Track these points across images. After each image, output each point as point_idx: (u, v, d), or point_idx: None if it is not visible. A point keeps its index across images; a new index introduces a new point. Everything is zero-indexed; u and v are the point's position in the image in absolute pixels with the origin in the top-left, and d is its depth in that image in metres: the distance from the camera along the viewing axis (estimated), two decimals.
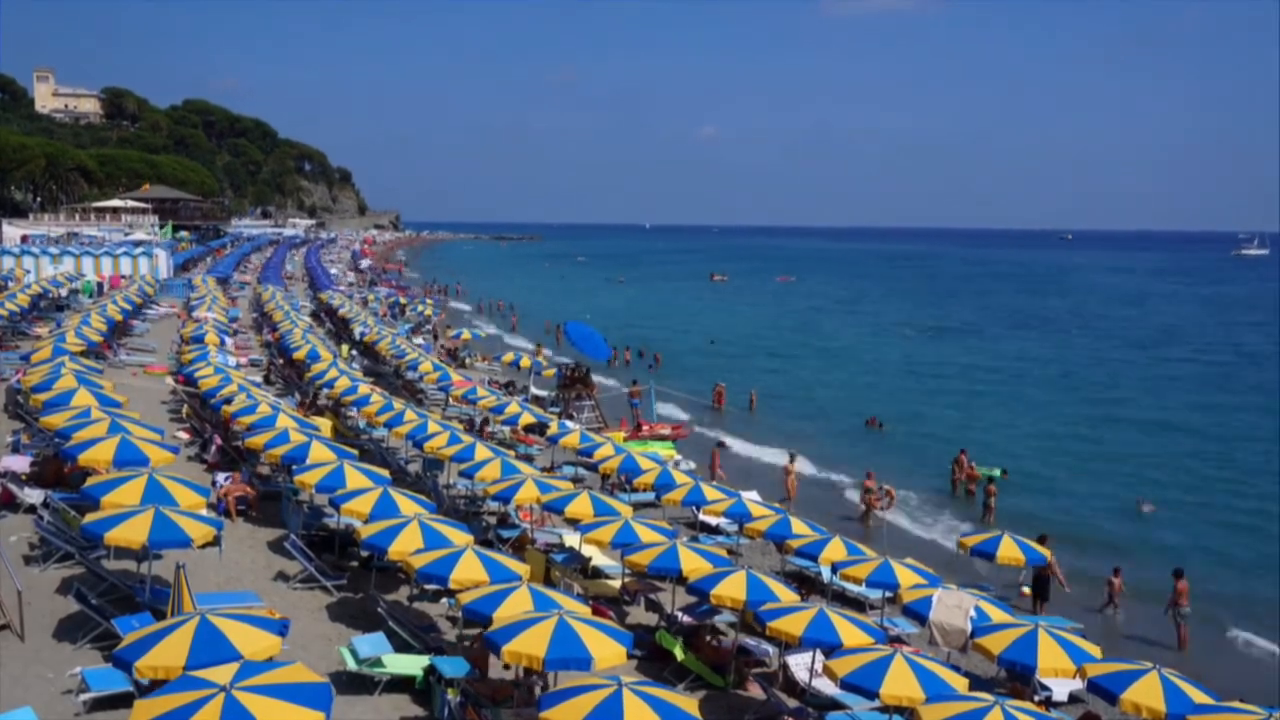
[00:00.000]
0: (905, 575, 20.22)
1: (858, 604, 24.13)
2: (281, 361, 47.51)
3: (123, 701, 14.82)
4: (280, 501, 25.98)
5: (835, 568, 21.74)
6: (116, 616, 17.33)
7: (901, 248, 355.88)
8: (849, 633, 16.71)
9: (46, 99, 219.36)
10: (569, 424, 35.39)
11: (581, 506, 23.00)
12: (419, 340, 60.77)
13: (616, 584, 23.39)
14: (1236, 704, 14.59)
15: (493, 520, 27.66)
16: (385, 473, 24.35)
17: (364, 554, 21.66)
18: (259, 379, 42.22)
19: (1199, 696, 14.53)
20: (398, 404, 33.09)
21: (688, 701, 13.32)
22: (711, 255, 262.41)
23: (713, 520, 28.67)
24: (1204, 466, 44.05)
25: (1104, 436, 49.58)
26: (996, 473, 38.55)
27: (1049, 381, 66.60)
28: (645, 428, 42.20)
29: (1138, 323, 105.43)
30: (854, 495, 35.89)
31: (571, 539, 25.35)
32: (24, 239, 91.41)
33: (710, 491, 26.10)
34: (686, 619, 21.62)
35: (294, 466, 24.23)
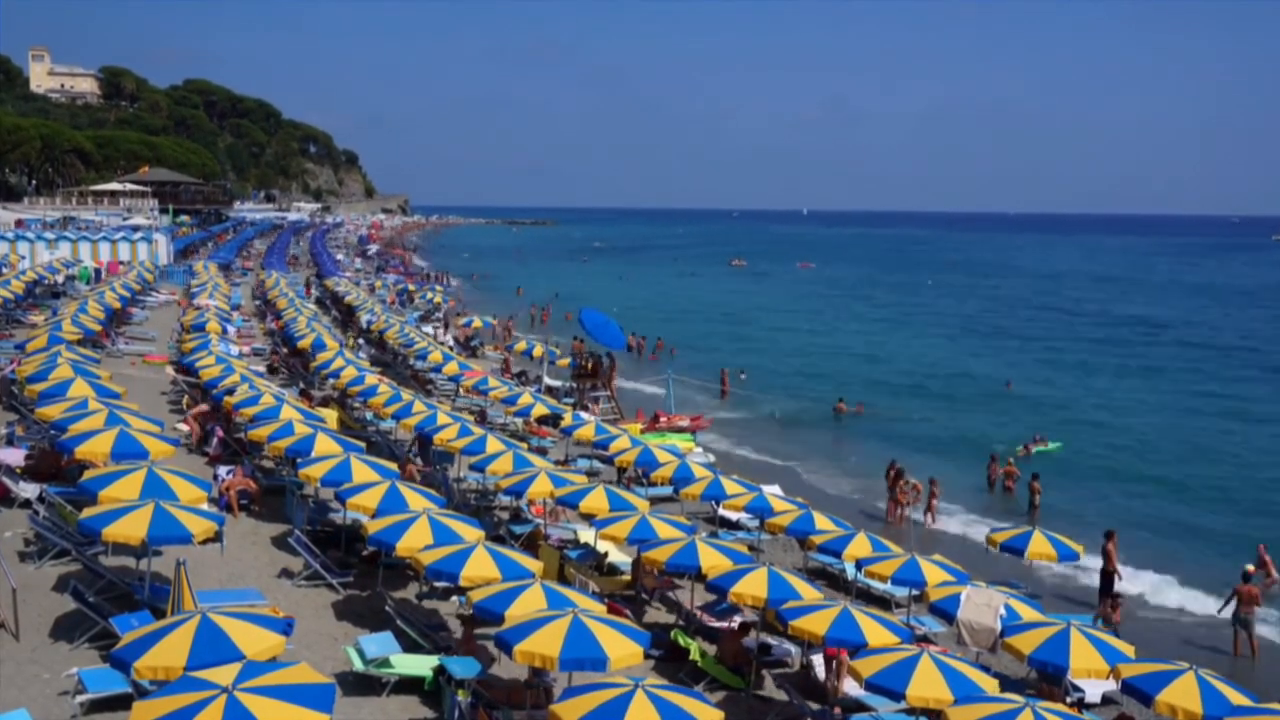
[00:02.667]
0: (932, 572, 20.23)
1: (883, 602, 24.15)
2: (285, 351, 47.66)
3: (121, 703, 14.88)
4: (284, 496, 26.08)
5: (860, 564, 21.75)
6: (115, 615, 17.43)
7: (939, 234, 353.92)
8: (874, 632, 16.73)
9: (42, 78, 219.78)
10: (584, 415, 35.43)
11: (597, 501, 23.07)
12: (428, 328, 60.87)
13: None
14: (1276, 705, 14.57)
15: (504, 515, 27.73)
16: (393, 466, 24.43)
17: (371, 550, 21.75)
18: (262, 369, 42.37)
19: (1237, 698, 14.52)
20: (406, 395, 33.16)
21: (711, 712, 13.32)
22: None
23: (733, 515, 28.68)
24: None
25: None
26: (1054, 446, 38.62)
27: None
28: (663, 419, 42.20)
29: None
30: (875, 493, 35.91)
31: (586, 534, 25.40)
32: (19, 223, 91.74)
33: (730, 485, 26.09)
34: (705, 617, 21.68)
35: (299, 460, 24.34)
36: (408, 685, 17.46)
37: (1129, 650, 16.62)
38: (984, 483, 37.88)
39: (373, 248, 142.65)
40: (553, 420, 35.62)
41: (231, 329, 49.96)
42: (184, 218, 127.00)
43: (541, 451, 32.41)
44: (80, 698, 15.50)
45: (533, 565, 18.50)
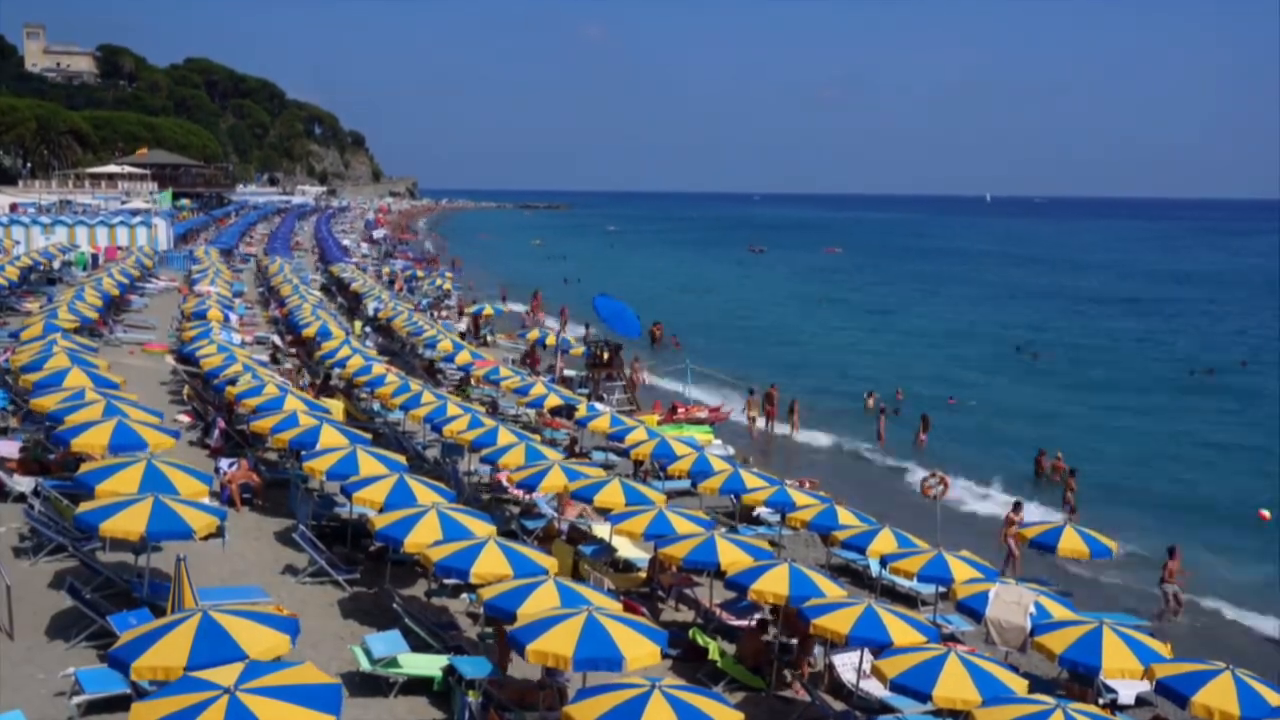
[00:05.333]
0: (960, 569, 20.21)
1: (909, 599, 24.14)
2: (289, 339, 47.78)
3: (119, 704, 14.96)
4: (288, 489, 26.14)
5: (885, 561, 21.74)
6: (112, 613, 17.49)
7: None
8: (899, 631, 16.74)
9: (37, 57, 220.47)
10: (598, 406, 35.44)
11: (612, 495, 23.05)
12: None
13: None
14: None
15: (516, 510, 27.75)
16: (401, 459, 24.48)
17: (378, 546, 21.80)
18: (265, 358, 42.49)
19: (1276, 699, 14.50)
20: (414, 385, 33.20)
21: (730, 713, 13.35)
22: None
23: (753, 510, 28.67)
24: None
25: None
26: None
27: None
28: (681, 410, 42.19)
29: None
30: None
31: (601, 530, 25.42)
32: (13, 207, 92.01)
33: (750, 479, 26.10)
34: (725, 615, 21.70)
35: (303, 452, 24.42)
36: (416, 686, 17.51)
37: (1164, 650, 16.60)
38: (1030, 472, 38.00)
39: (380, 232, 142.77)
40: (566, 411, 35.65)
41: (234, 317, 49.99)
42: (184, 201, 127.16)
43: (554, 443, 32.41)
44: (77, 698, 15.57)
45: (546, 561, 18.54)
